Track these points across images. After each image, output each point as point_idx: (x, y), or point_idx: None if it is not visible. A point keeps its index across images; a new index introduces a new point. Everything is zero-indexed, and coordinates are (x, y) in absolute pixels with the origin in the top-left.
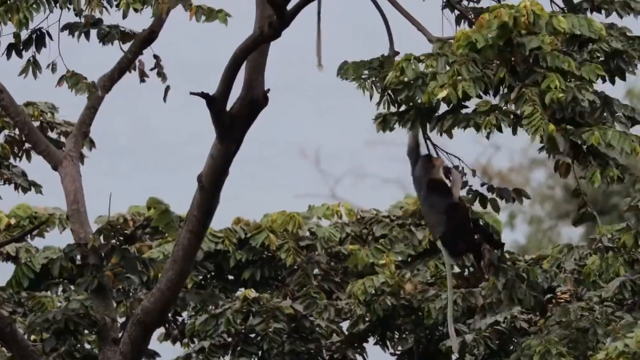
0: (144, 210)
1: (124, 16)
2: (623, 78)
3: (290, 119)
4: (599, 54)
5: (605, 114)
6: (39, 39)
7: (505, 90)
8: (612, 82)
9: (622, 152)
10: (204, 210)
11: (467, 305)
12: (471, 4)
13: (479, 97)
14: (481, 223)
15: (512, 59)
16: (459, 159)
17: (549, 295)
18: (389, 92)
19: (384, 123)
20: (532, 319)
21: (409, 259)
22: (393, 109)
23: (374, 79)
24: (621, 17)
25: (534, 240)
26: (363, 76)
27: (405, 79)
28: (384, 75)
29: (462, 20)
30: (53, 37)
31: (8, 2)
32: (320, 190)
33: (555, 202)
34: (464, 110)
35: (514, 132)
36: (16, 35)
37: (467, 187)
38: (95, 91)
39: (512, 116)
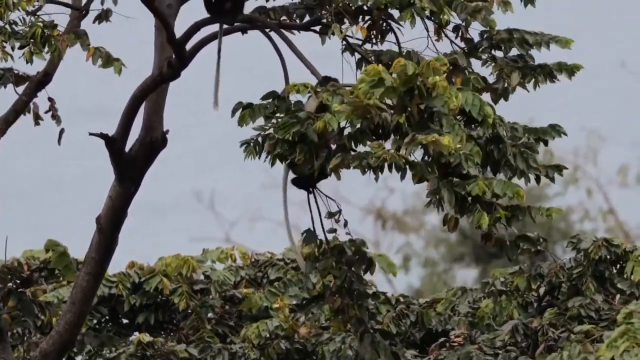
0: (39, 253)
1: (28, 61)
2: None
3: (185, 161)
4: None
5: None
6: None
7: (398, 137)
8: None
9: (504, 196)
10: (102, 252)
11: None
12: (373, 47)
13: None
14: None
15: (409, 108)
16: (338, 205)
17: (442, 339)
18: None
19: (274, 146)
20: None
21: (304, 302)
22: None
23: (267, 126)
24: (519, 52)
25: (429, 283)
26: (259, 125)
27: (298, 115)
28: (279, 124)
29: (363, 64)
30: None
31: None
32: (215, 233)
33: (450, 245)
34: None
35: (402, 178)
36: None
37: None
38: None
39: (403, 160)
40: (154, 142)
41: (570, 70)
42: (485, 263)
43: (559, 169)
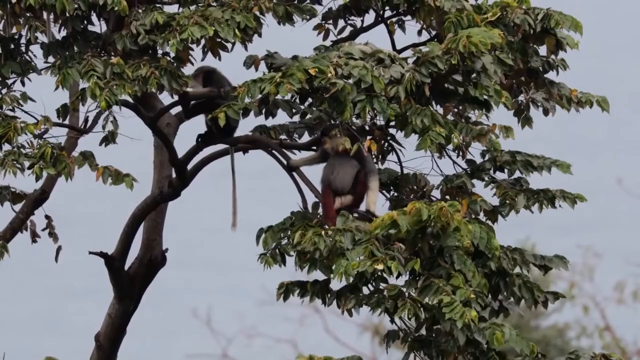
0: None
1: (37, 179)
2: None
3: (181, 279)
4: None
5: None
6: None
7: (408, 274)
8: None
9: (521, 353)
10: None
11: None
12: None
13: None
14: None
15: (419, 245)
16: None
17: None
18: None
19: (285, 293)
20: None
21: None
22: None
23: (286, 241)
24: (522, 174)
25: None
26: (280, 242)
27: (317, 256)
28: (295, 239)
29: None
30: None
31: None
32: (212, 350)
33: None
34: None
35: (415, 319)
36: None
37: None
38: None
39: (420, 305)
40: (153, 260)
41: (573, 199)
42: None
43: (556, 296)
